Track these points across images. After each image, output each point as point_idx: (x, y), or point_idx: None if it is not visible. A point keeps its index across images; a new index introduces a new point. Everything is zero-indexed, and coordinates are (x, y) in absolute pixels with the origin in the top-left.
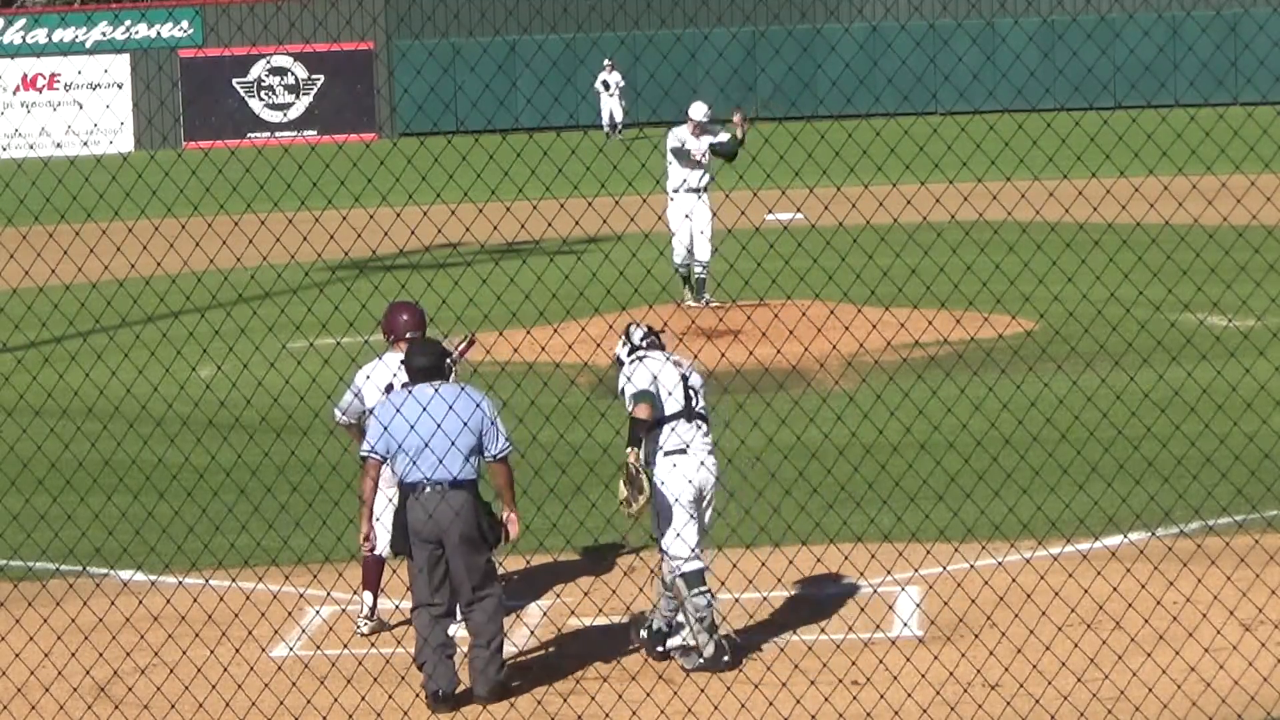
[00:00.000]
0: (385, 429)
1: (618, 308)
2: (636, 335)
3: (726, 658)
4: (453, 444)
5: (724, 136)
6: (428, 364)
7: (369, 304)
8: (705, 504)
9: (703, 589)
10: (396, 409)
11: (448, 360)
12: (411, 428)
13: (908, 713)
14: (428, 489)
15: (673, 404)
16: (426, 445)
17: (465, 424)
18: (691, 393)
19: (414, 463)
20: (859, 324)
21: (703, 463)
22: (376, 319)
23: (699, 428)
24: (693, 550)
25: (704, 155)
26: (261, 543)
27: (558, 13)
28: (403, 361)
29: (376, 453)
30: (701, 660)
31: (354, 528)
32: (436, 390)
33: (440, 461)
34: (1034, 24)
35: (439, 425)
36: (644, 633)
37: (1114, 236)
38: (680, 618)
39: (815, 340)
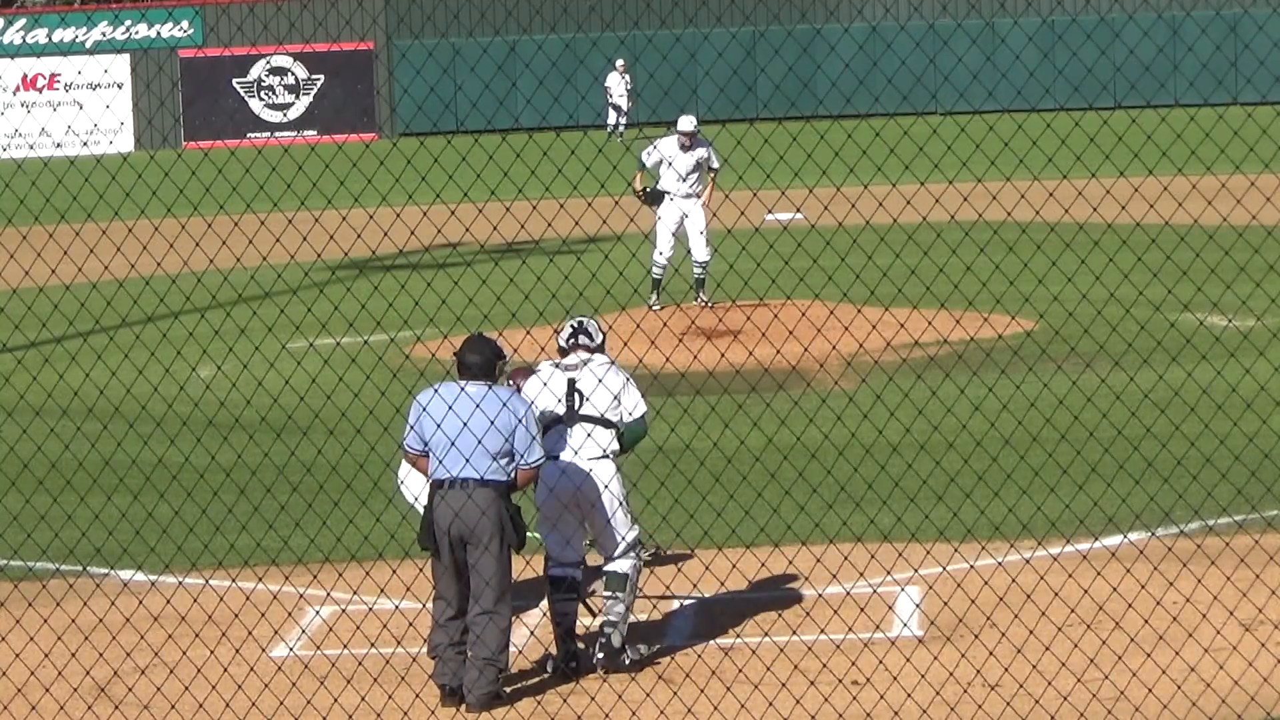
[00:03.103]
0: (412, 427)
1: (617, 308)
2: (563, 335)
3: (572, 665)
4: (479, 443)
5: (715, 160)
6: (474, 362)
7: (369, 304)
8: (585, 510)
9: (566, 596)
10: (423, 407)
11: (500, 362)
12: (438, 426)
13: (908, 713)
14: (455, 487)
15: (558, 410)
16: (453, 444)
17: (492, 423)
18: (578, 396)
19: (440, 461)
20: (859, 324)
21: (564, 471)
22: (376, 319)
23: (579, 432)
24: (554, 558)
25: (689, 172)
26: (261, 543)
27: (558, 13)
28: (455, 354)
29: (412, 448)
30: (558, 664)
31: (354, 528)
32: (462, 389)
33: (467, 460)
34: (1034, 24)
35: (465, 424)
36: (628, 655)
37: (1114, 236)
38: (613, 616)
39: (815, 340)
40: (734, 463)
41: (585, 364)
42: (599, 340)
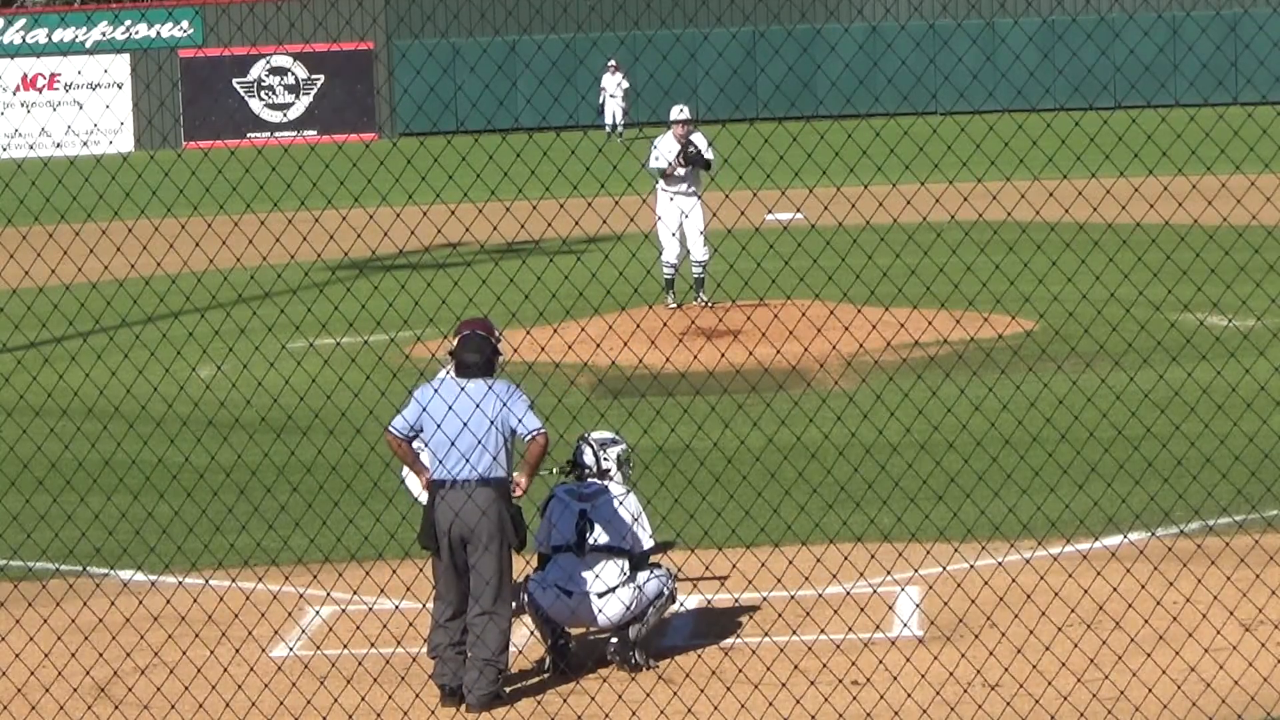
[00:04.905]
0: (403, 415)
1: (617, 308)
2: (585, 456)
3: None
4: (479, 442)
5: (707, 151)
6: (474, 361)
7: (369, 304)
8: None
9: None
10: (423, 408)
11: (498, 358)
12: (438, 426)
13: (908, 713)
14: (455, 487)
15: (558, 536)
16: (452, 443)
17: (492, 424)
18: (587, 525)
19: (441, 461)
20: (859, 324)
21: (574, 609)
22: (376, 319)
23: (589, 564)
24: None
25: (685, 169)
26: (261, 543)
27: (558, 13)
28: (451, 353)
29: (398, 430)
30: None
31: (354, 528)
32: (463, 389)
33: (467, 460)
34: (1034, 24)
35: (465, 424)
36: (637, 656)
37: (1114, 236)
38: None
39: (815, 340)
40: (734, 463)
41: (600, 493)
42: (605, 468)
